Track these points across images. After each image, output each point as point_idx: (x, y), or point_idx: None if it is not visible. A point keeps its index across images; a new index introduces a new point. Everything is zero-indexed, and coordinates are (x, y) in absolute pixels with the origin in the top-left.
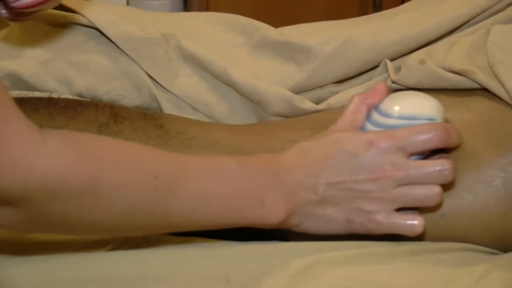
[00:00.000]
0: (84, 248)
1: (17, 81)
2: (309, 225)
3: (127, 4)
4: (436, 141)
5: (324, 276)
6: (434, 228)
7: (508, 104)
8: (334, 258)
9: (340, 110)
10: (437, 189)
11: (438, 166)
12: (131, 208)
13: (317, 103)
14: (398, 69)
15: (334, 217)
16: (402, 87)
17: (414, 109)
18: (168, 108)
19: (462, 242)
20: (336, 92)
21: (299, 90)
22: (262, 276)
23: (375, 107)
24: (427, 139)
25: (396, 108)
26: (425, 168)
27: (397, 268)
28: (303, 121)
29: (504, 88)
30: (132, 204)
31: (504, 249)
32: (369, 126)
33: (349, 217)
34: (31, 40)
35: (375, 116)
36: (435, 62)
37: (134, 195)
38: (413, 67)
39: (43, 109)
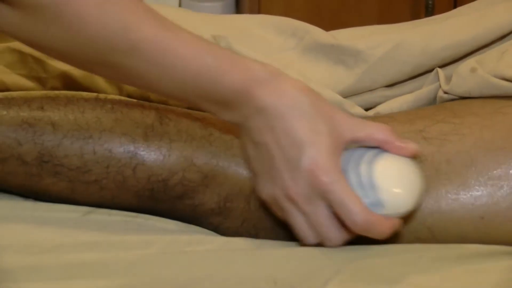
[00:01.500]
0: (129, 249)
1: (69, 81)
2: (245, 144)
3: (179, 6)
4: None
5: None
6: (474, 231)
7: None
8: (383, 263)
9: (387, 116)
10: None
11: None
12: (87, 40)
13: (367, 107)
14: (449, 78)
15: (258, 165)
16: (454, 97)
17: (391, 196)
18: None
19: (506, 245)
20: (387, 96)
21: (349, 94)
22: (310, 280)
23: (371, 160)
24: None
25: (382, 184)
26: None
27: (445, 273)
28: None
29: None
30: (92, 38)
31: None
32: (352, 175)
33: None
34: None
35: (363, 171)
36: (486, 70)
37: (97, 32)
38: (464, 75)
39: (90, 110)
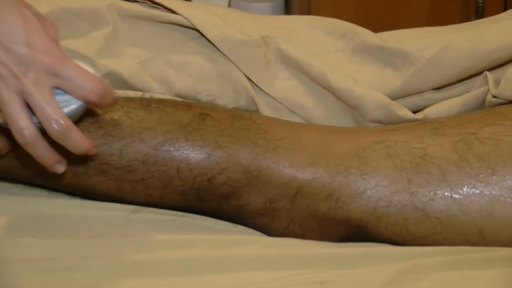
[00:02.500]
0: (175, 248)
1: (117, 79)
2: None
3: (228, 6)
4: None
5: (420, 282)
6: None
7: None
8: (430, 264)
9: (436, 121)
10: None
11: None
12: None
13: (415, 110)
14: (498, 81)
15: None
16: (503, 101)
17: None
18: (266, 110)
19: None
20: (435, 99)
21: (397, 96)
22: (357, 281)
23: None
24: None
25: None
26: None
27: (493, 275)
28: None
29: None
30: None
31: None
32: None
33: None
34: (131, 39)
35: None
36: None
37: None
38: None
39: (135, 109)
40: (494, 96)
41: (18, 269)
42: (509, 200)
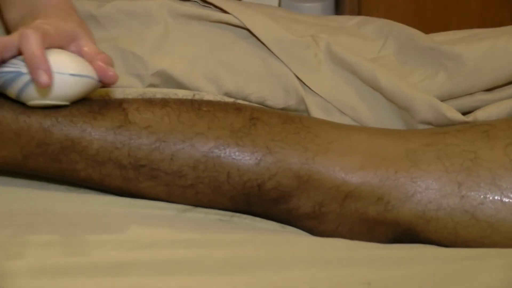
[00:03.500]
0: (223, 247)
1: (167, 78)
2: None
3: (279, 5)
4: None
5: (470, 284)
6: None
7: None
8: (481, 266)
9: (486, 123)
10: None
11: None
12: None
13: (465, 111)
14: None
15: None
16: None
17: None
18: (315, 110)
19: None
20: (485, 101)
21: (447, 97)
22: (405, 282)
23: None
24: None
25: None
26: None
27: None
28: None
29: None
30: None
31: None
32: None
33: None
34: (182, 38)
35: None
36: None
37: None
38: None
39: (186, 113)
40: None
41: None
42: None
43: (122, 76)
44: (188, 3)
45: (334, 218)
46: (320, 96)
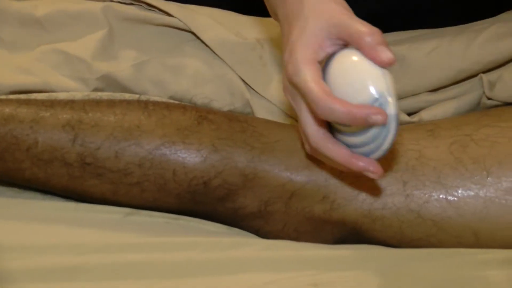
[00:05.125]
0: (174, 250)
1: (112, 82)
2: None
3: None
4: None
5: (415, 284)
6: None
7: None
8: (426, 266)
9: (431, 123)
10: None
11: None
12: None
13: (410, 112)
14: (493, 84)
15: None
16: (498, 103)
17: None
18: (261, 113)
19: None
20: (430, 101)
21: None
22: (353, 283)
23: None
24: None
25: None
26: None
27: (489, 277)
28: None
29: None
30: None
31: None
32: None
33: None
34: (127, 42)
35: None
36: None
37: None
38: (508, 82)
39: (132, 112)
40: (489, 98)
41: (13, 274)
42: (504, 202)
43: (67, 80)
44: (133, 7)
45: (280, 217)
46: (266, 99)
